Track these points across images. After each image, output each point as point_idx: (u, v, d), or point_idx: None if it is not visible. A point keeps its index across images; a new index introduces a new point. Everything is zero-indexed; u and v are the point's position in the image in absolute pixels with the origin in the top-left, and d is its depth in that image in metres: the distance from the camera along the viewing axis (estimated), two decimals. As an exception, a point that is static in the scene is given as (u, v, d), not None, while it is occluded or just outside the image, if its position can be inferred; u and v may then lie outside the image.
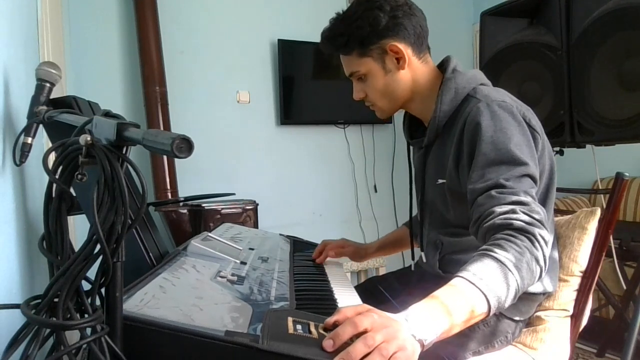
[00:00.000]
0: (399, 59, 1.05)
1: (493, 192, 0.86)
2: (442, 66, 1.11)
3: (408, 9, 1.05)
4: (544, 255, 0.79)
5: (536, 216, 0.82)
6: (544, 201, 1.02)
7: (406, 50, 1.05)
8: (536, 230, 0.79)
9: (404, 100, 1.11)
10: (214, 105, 2.92)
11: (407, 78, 1.07)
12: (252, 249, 1.23)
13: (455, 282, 0.73)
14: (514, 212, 0.82)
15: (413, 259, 1.28)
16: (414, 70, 1.08)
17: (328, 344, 0.60)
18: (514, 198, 0.84)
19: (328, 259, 1.37)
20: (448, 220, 1.09)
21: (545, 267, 0.80)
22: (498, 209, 0.83)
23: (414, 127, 1.21)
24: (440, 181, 1.06)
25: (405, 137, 1.23)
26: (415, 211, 1.29)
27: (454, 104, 1.03)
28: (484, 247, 0.79)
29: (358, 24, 1.03)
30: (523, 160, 0.89)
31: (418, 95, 1.09)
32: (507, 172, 0.88)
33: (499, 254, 0.75)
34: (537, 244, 0.79)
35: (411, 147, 1.25)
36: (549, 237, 0.82)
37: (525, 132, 0.95)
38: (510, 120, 0.94)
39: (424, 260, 1.19)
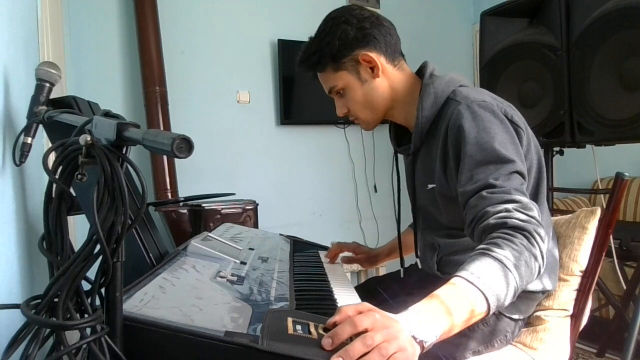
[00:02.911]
0: (373, 68, 1.07)
1: (484, 192, 0.86)
2: (420, 72, 1.12)
3: (375, 19, 1.07)
4: (541, 252, 0.79)
5: (530, 213, 0.82)
6: (535, 196, 1.03)
7: (378, 58, 1.06)
8: (532, 227, 0.79)
9: (385, 109, 1.11)
10: (214, 105, 2.92)
11: (384, 86, 1.08)
12: (252, 249, 1.23)
13: (454, 281, 0.73)
14: (507, 210, 0.82)
15: (402, 266, 1.28)
16: (390, 77, 1.09)
17: (327, 343, 0.60)
18: (506, 197, 0.84)
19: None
20: (442, 223, 1.10)
21: (543, 263, 0.80)
22: (491, 209, 0.83)
23: (400, 135, 1.22)
24: (430, 186, 1.06)
25: (393, 146, 1.24)
26: (403, 215, 1.29)
27: (435, 108, 1.04)
28: (481, 246, 0.79)
29: (327, 40, 1.06)
30: (509, 158, 0.89)
31: (398, 102, 1.10)
32: (496, 172, 0.88)
33: (497, 252, 0.75)
34: (533, 241, 0.79)
35: (399, 155, 1.26)
36: (544, 233, 0.82)
37: (509, 129, 0.95)
38: (492, 119, 0.94)
39: (420, 266, 1.19)
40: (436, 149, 1.02)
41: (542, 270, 0.81)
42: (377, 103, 1.10)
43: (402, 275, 1.28)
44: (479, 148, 0.91)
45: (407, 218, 1.33)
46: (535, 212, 0.83)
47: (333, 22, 1.07)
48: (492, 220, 0.82)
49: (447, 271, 1.08)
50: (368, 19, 1.06)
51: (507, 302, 0.75)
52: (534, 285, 1.01)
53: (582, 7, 1.77)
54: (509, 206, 0.82)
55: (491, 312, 0.73)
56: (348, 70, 1.07)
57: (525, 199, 0.85)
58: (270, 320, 0.68)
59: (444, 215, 1.07)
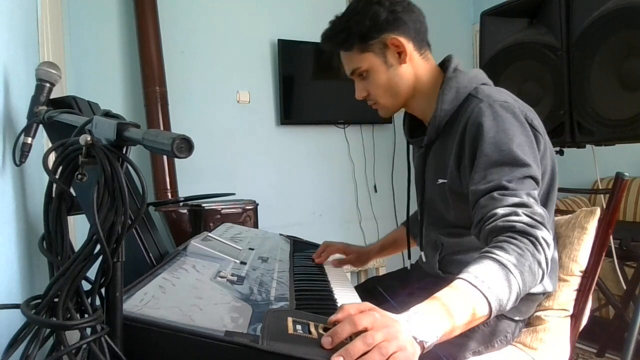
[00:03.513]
0: (400, 53, 1.05)
1: (495, 193, 0.86)
2: (443, 65, 1.11)
3: (407, 5, 1.06)
4: (546, 258, 0.79)
5: (538, 218, 0.81)
6: (545, 202, 1.02)
7: (407, 44, 1.04)
8: (538, 233, 0.79)
9: (406, 97, 1.10)
10: (214, 105, 2.92)
11: (408, 73, 1.07)
12: (252, 249, 1.23)
13: (456, 284, 0.73)
14: (516, 214, 0.81)
15: (409, 258, 1.28)
16: (416, 66, 1.07)
17: (326, 341, 0.60)
18: (516, 200, 0.84)
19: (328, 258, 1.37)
20: (448, 220, 1.09)
21: (547, 269, 0.80)
22: (500, 211, 0.83)
23: (414, 127, 1.20)
24: (441, 181, 1.05)
25: (405, 136, 1.22)
26: (412, 211, 1.29)
27: (455, 103, 1.03)
28: (486, 249, 0.78)
29: (357, 19, 1.03)
30: (525, 162, 0.89)
31: (419, 92, 1.09)
32: (510, 174, 0.87)
33: (501, 256, 0.75)
34: (539, 246, 0.78)
35: (411, 147, 1.25)
36: (551, 239, 0.82)
37: (528, 132, 0.94)
38: (513, 121, 0.93)
39: (424, 260, 1.18)
40: (452, 144, 1.01)
41: (545, 276, 0.81)
42: (399, 89, 1.08)
43: (409, 267, 1.26)
44: (496, 148, 0.90)
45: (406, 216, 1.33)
46: (543, 218, 0.82)
47: (365, 1, 1.04)
48: (499, 223, 0.81)
49: (449, 270, 1.08)
50: (400, 3, 1.05)
51: (509, 306, 0.75)
52: (535, 287, 1.01)
53: (582, 7, 1.77)
54: (519, 210, 0.82)
55: (492, 316, 0.73)
56: (375, 52, 1.05)
57: (536, 205, 0.84)
58: (270, 320, 0.68)
59: (452, 212, 1.06)
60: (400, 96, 1.09)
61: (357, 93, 1.12)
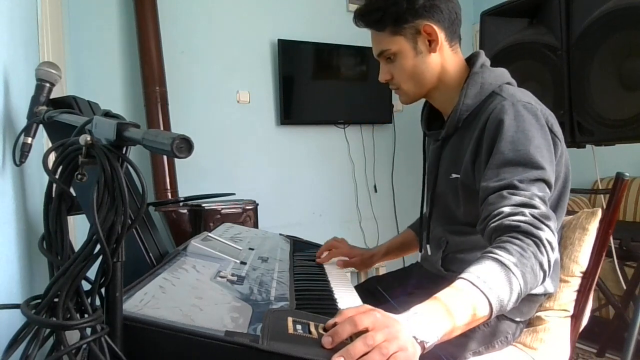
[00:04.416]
0: (431, 42, 1.04)
1: (505, 192, 0.86)
2: (470, 60, 1.11)
3: None
4: (548, 260, 0.79)
5: (545, 220, 0.81)
6: (555, 208, 1.01)
7: (439, 33, 1.04)
8: (542, 234, 0.79)
9: (430, 87, 1.09)
10: (214, 105, 2.92)
11: (436, 63, 1.07)
12: (252, 249, 1.23)
13: (457, 284, 0.73)
14: (522, 214, 0.81)
15: (421, 250, 1.27)
16: (444, 57, 1.07)
17: (327, 341, 0.60)
18: (525, 200, 0.83)
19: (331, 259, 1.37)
20: (456, 216, 1.09)
21: (549, 272, 0.80)
22: (506, 210, 0.83)
23: (432, 119, 1.20)
24: (454, 176, 1.05)
25: (422, 128, 1.22)
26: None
27: (478, 98, 1.03)
28: (489, 249, 0.78)
29: (395, 0, 1.02)
30: (540, 164, 0.88)
31: (443, 84, 1.09)
32: (523, 174, 0.87)
33: (503, 256, 0.75)
34: (542, 248, 0.78)
35: (426, 140, 1.24)
36: (556, 242, 0.81)
37: (547, 136, 0.94)
38: (534, 123, 0.93)
39: (429, 252, 1.18)
40: (469, 139, 1.00)
41: (547, 278, 0.81)
42: (424, 78, 1.07)
43: (419, 260, 1.25)
44: (513, 147, 0.90)
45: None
46: (550, 222, 0.82)
47: None
48: (505, 222, 0.81)
49: (451, 268, 1.08)
50: None
51: (509, 307, 0.75)
52: (537, 289, 1.01)
53: (582, 7, 1.77)
54: (525, 210, 0.82)
55: (493, 316, 0.73)
56: (406, 37, 1.04)
57: (544, 207, 0.84)
58: (270, 320, 0.68)
59: (461, 208, 1.06)
60: (423, 85, 1.09)
61: (381, 75, 1.12)
